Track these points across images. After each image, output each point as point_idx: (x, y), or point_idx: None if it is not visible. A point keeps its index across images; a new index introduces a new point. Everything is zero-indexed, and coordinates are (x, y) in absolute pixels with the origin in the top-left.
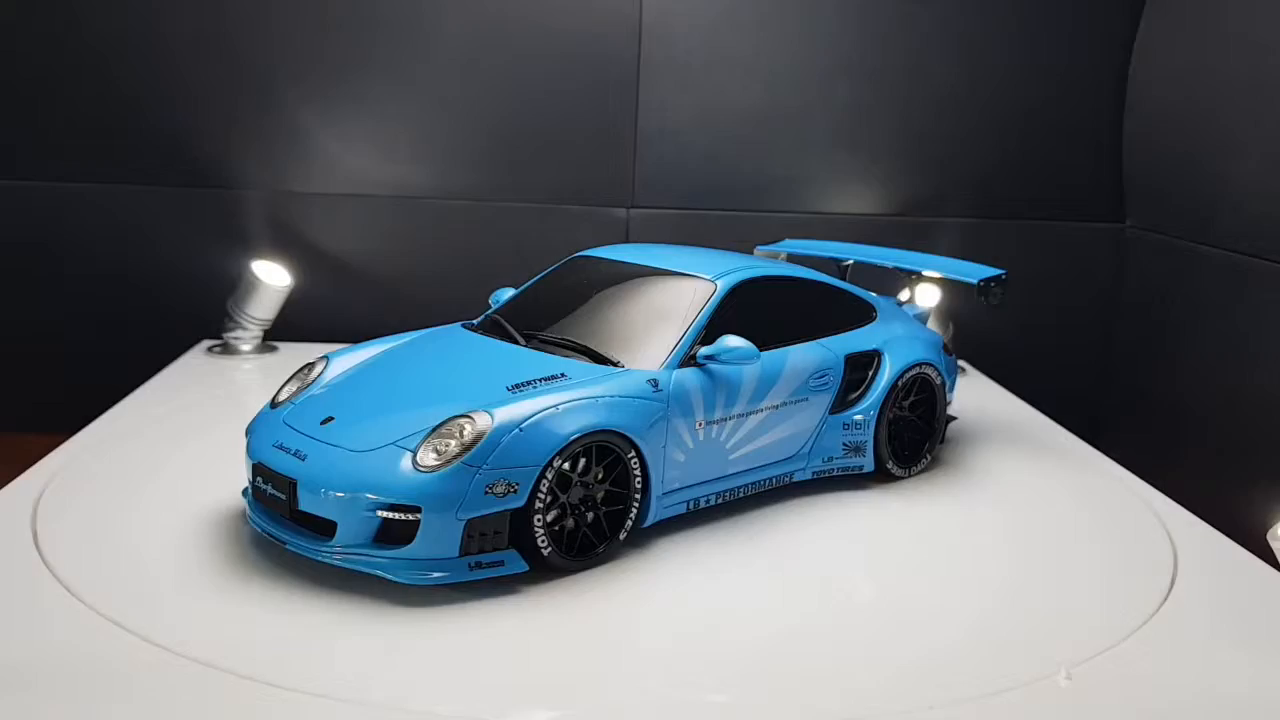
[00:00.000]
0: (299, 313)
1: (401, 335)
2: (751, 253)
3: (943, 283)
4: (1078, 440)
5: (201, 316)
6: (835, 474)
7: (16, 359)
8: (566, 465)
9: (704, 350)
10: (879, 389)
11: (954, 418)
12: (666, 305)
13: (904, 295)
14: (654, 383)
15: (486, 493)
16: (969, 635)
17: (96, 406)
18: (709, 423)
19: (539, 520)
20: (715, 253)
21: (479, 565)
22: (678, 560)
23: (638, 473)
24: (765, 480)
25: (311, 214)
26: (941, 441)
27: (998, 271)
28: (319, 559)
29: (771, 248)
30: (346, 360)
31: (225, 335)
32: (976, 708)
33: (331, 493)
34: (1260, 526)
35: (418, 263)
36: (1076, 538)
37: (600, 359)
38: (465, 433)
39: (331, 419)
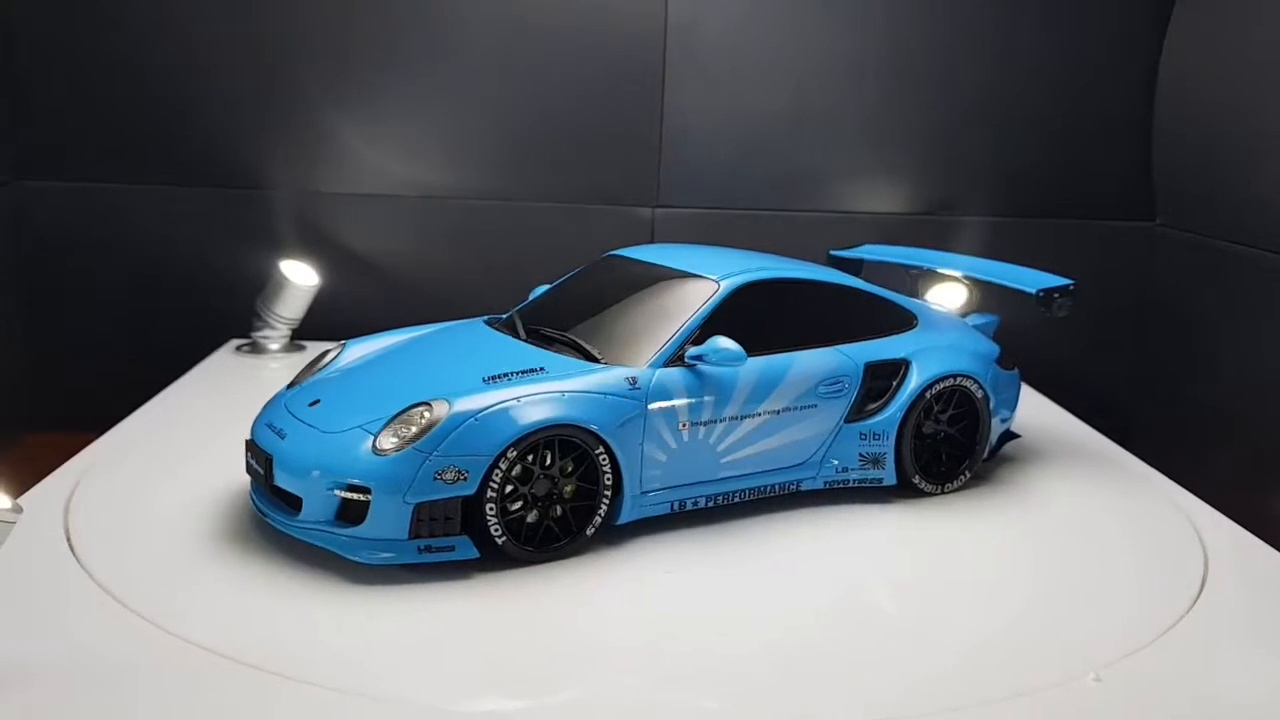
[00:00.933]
0: (326, 312)
1: (422, 326)
2: (798, 255)
3: (988, 288)
4: (1106, 440)
5: (230, 316)
6: (852, 485)
7: (48, 358)
8: (526, 457)
9: (692, 350)
10: (901, 399)
11: (1014, 435)
12: (669, 305)
13: (939, 296)
14: (632, 380)
15: (436, 479)
16: (998, 636)
17: (126, 405)
18: (695, 424)
19: (491, 509)
20: (741, 254)
21: (429, 549)
22: (662, 558)
23: (607, 469)
24: (767, 487)
25: (339, 214)
26: (988, 458)
27: (1062, 281)
28: (288, 532)
29: (846, 253)
30: (361, 348)
31: (253, 334)
32: (1006, 708)
33: (298, 470)
34: None
35: (444, 263)
36: (1106, 538)
37: (587, 355)
38: (423, 419)
39: (318, 402)
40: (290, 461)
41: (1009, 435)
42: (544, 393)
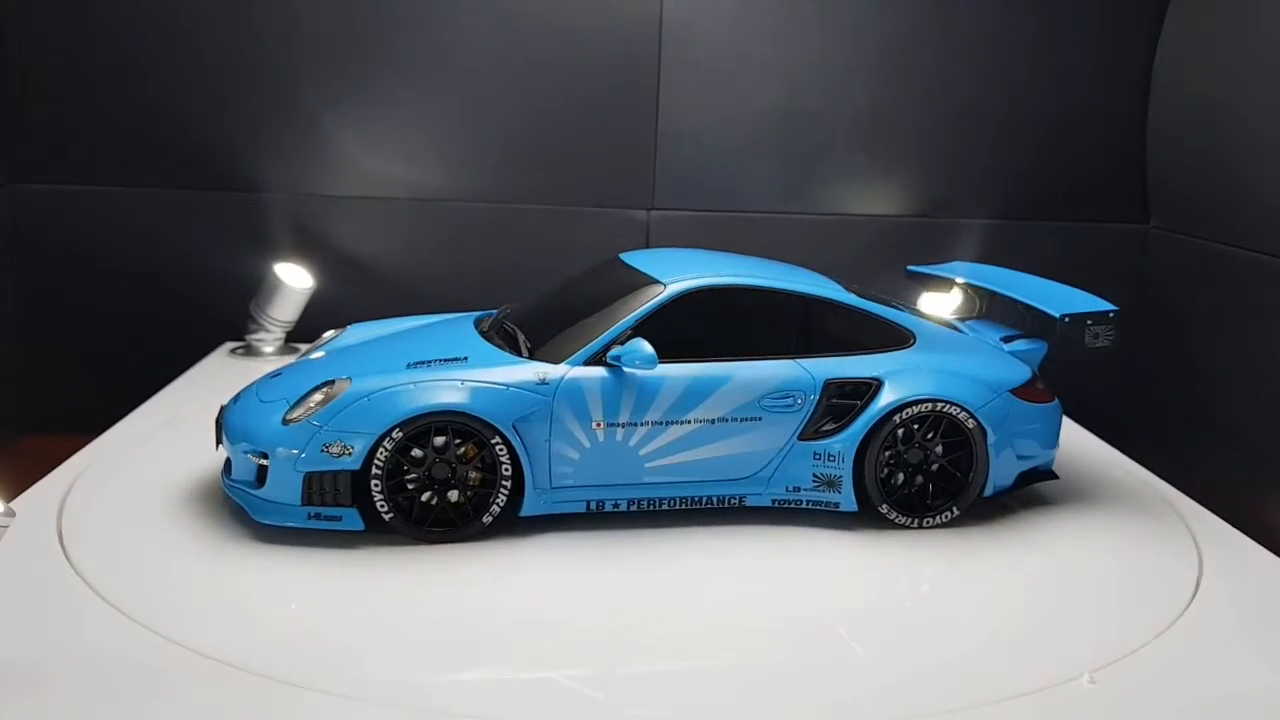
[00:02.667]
0: (321, 315)
1: (427, 316)
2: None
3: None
4: (1100, 442)
5: (224, 318)
6: (805, 507)
7: (41, 360)
8: (423, 440)
9: (612, 352)
10: (863, 421)
11: (1050, 475)
12: (617, 307)
13: (933, 302)
14: (541, 376)
15: (323, 451)
16: (993, 638)
17: (121, 408)
18: (612, 424)
19: (376, 485)
20: (733, 260)
21: (317, 516)
22: (598, 554)
23: (506, 460)
24: (703, 498)
25: (334, 217)
26: (996, 496)
27: (1098, 307)
28: (226, 491)
29: (930, 269)
30: (360, 331)
31: (248, 337)
32: (1001, 710)
33: (230, 434)
34: None
35: (439, 265)
36: (1100, 540)
37: (516, 348)
38: (325, 395)
39: (279, 374)
40: (226, 426)
41: (1040, 474)
42: (447, 380)
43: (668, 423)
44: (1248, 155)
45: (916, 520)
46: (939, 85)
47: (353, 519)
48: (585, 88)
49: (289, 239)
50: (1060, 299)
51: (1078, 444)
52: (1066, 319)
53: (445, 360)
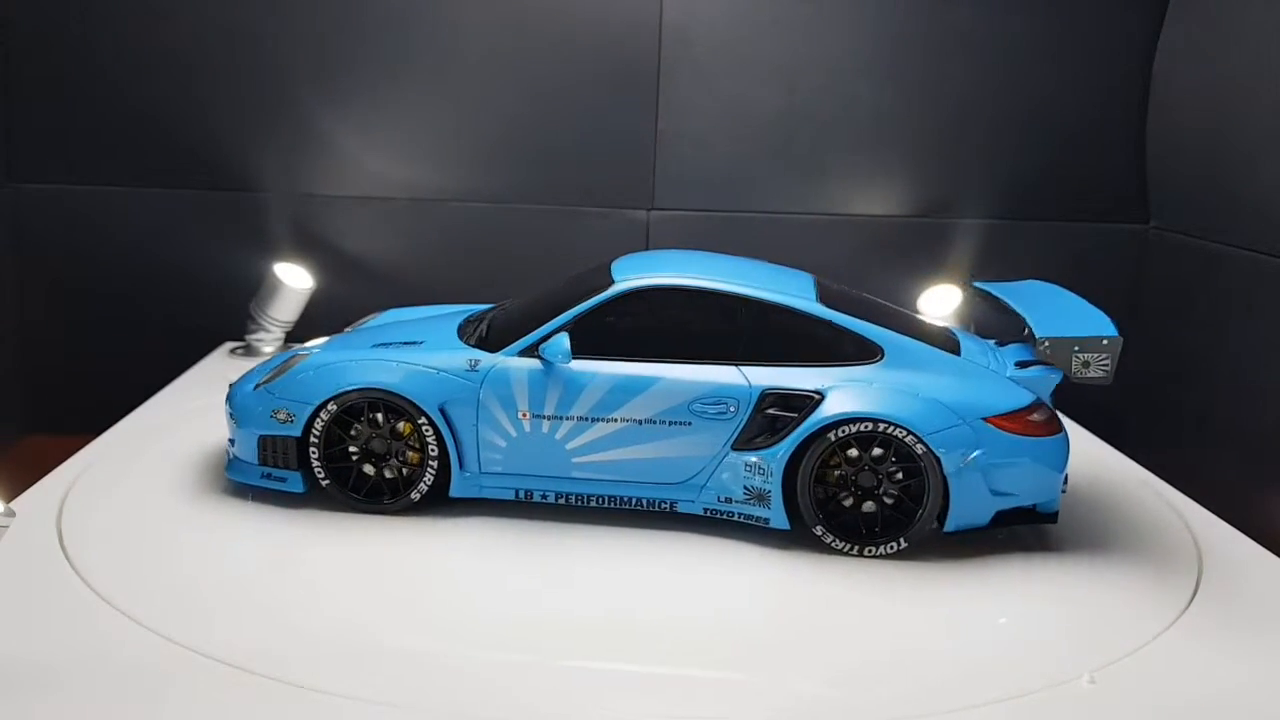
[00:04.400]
0: (321, 315)
1: (454, 306)
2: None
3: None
4: (1100, 442)
5: (224, 318)
6: (737, 520)
7: (41, 361)
8: (362, 415)
9: (543, 345)
10: (795, 435)
11: (1041, 518)
12: (570, 302)
13: (933, 300)
14: (473, 362)
15: (272, 416)
16: (993, 638)
17: (120, 408)
18: (537, 416)
19: (314, 453)
20: (708, 261)
21: (268, 476)
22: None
23: (433, 441)
24: (634, 499)
25: (333, 217)
26: (953, 531)
27: (1093, 331)
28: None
29: (993, 287)
30: (390, 316)
31: (248, 337)
32: (1001, 710)
33: (227, 398)
34: None
35: (439, 265)
36: (1099, 541)
37: (472, 338)
38: (284, 366)
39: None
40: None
41: (1033, 515)
42: (387, 361)
43: (593, 419)
44: (1247, 156)
45: (856, 548)
46: (939, 85)
47: (295, 482)
48: (585, 88)
49: (289, 239)
50: (1072, 322)
51: (1078, 444)
52: (1046, 343)
53: (403, 344)
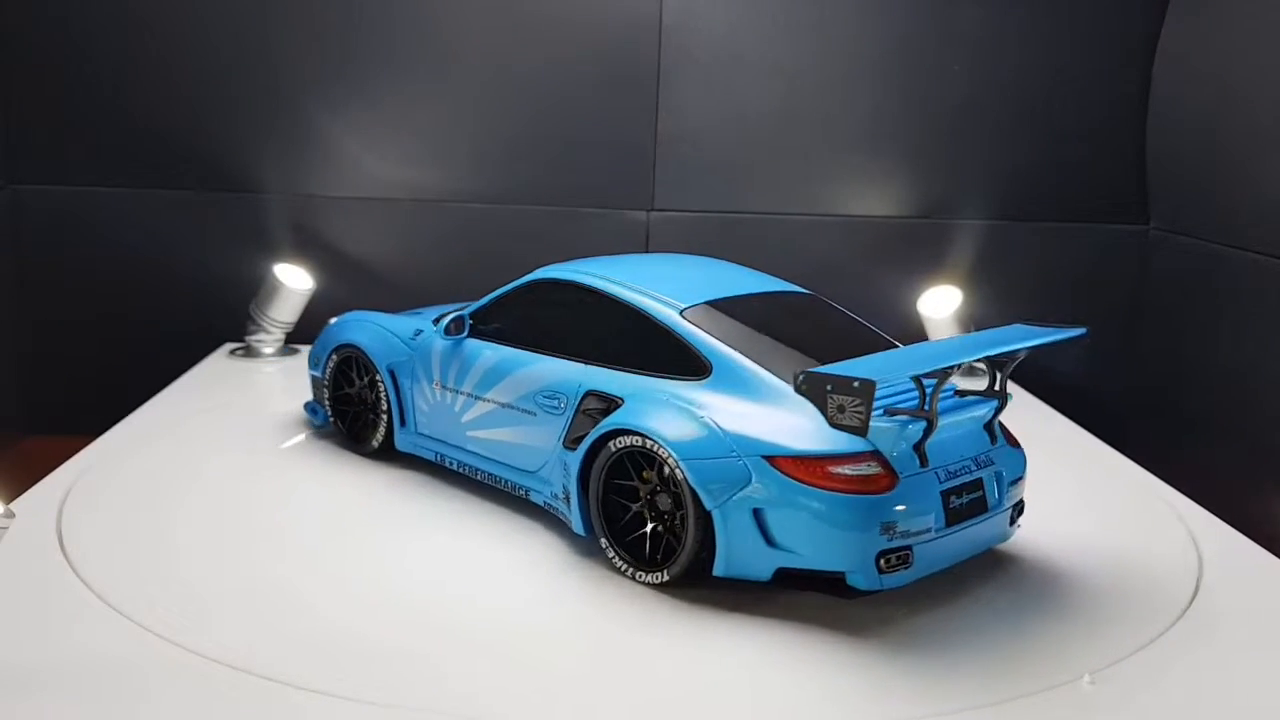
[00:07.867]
0: (321, 316)
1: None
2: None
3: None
4: (1100, 443)
5: (224, 319)
6: (562, 517)
7: (41, 360)
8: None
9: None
10: (588, 439)
11: (858, 592)
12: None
13: (933, 299)
14: (417, 332)
15: (316, 362)
16: (993, 639)
17: (121, 409)
18: (444, 388)
19: (325, 394)
20: (674, 263)
21: (314, 410)
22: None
23: (383, 396)
24: (504, 481)
25: (333, 218)
26: (742, 579)
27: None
28: None
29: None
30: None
31: (248, 338)
32: (1000, 711)
33: None
34: None
35: (439, 266)
36: (1099, 541)
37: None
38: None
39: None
40: None
41: (842, 583)
42: (372, 323)
43: (475, 397)
44: (1247, 156)
45: (630, 570)
46: (940, 86)
47: (321, 416)
48: (585, 88)
49: (289, 239)
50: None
51: (1078, 444)
52: (801, 377)
53: (416, 314)
